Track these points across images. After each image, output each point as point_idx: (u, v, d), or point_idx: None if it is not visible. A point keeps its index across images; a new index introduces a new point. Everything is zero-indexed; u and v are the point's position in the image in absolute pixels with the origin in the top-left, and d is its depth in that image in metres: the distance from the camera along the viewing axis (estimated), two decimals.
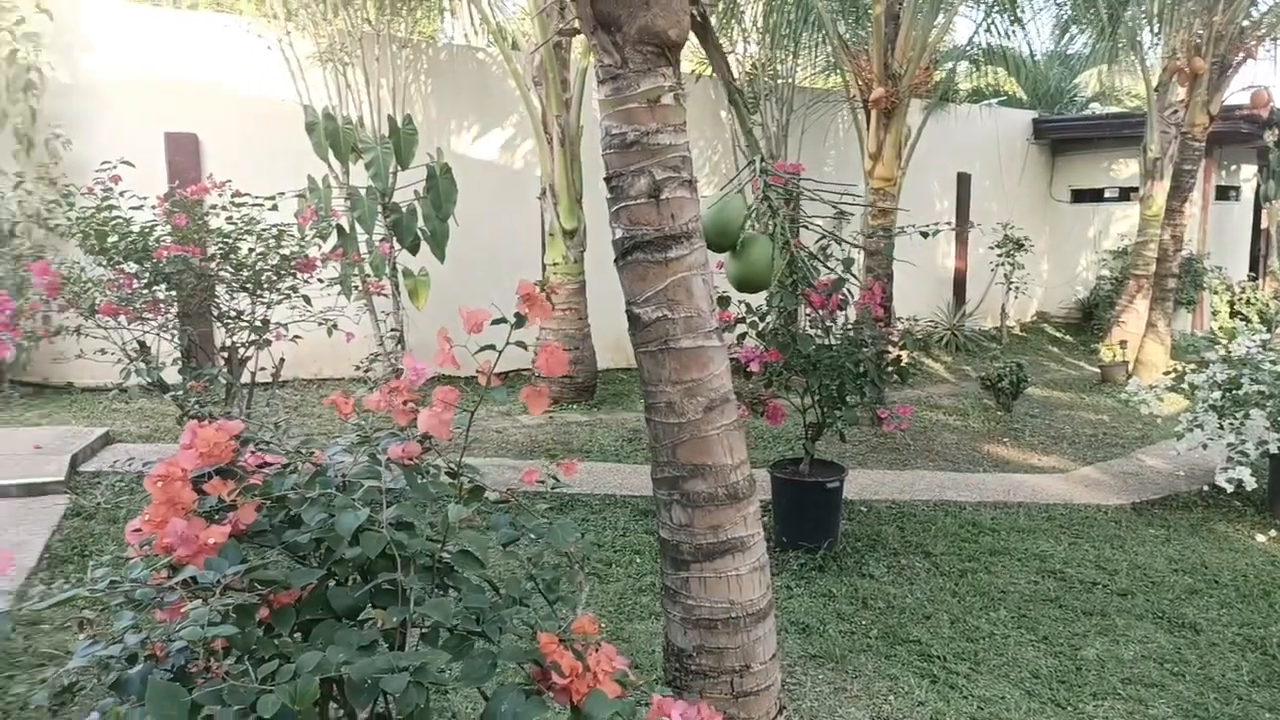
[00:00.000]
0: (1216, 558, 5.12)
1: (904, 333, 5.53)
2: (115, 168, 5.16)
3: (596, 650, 1.69)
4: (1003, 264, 12.46)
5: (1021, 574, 4.80)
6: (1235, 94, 10.59)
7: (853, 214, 9.68)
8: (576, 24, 2.73)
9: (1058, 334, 14.11)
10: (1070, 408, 9.14)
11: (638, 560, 4.73)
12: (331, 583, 1.68)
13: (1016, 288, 12.78)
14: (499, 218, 9.33)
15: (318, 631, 1.59)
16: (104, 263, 5.01)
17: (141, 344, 4.99)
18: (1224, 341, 6.27)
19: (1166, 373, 7.28)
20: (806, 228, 4.04)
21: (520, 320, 1.78)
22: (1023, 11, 10.95)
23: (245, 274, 5.21)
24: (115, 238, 5.00)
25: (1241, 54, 9.85)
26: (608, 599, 4.24)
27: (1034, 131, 14.65)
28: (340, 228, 7.30)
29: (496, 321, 1.76)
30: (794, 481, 5.01)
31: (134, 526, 1.60)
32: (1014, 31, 9.73)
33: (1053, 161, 15.12)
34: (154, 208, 5.23)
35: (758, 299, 4.34)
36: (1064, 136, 14.76)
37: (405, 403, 1.75)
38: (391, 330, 7.82)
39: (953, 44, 13.82)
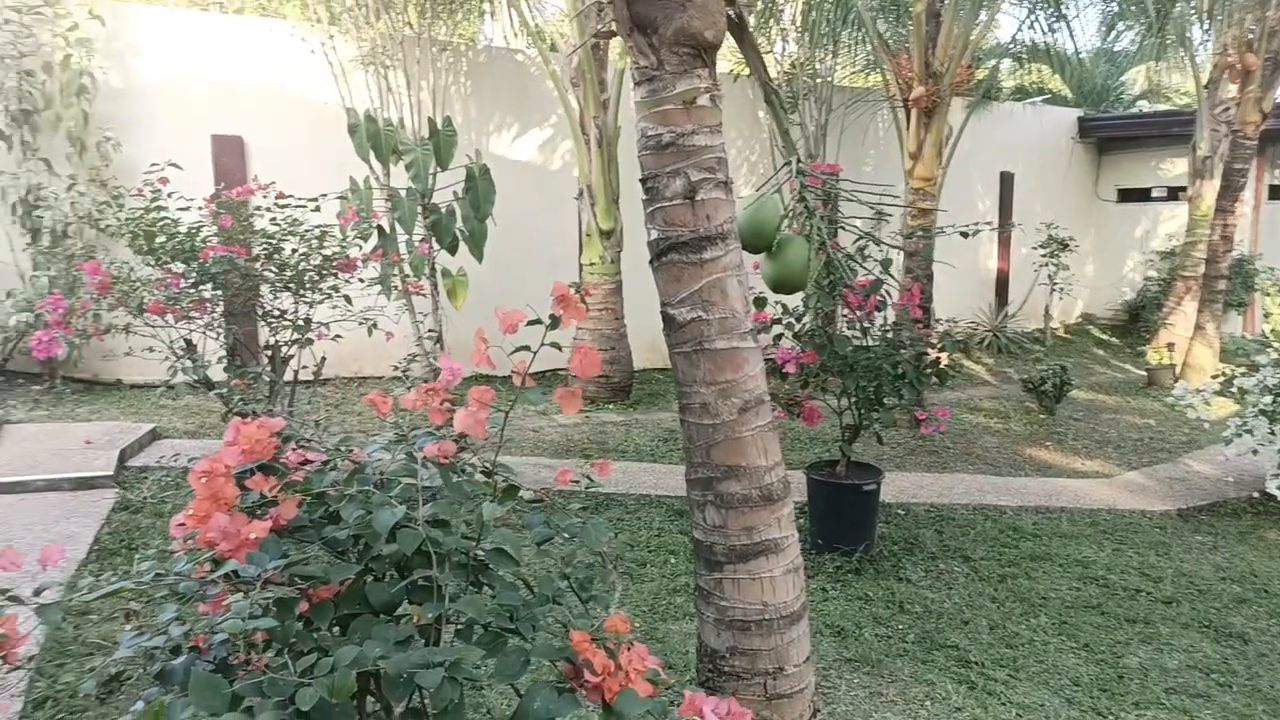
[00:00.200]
0: (1266, 566, 4.99)
1: (943, 334, 5.47)
2: (163, 170, 5.28)
3: (629, 649, 1.69)
4: (1046, 265, 12.25)
5: (1063, 580, 4.72)
6: None
7: (891, 215, 9.58)
8: (614, 26, 2.74)
9: (1103, 336, 13.85)
10: (1115, 411, 8.96)
11: (672, 560, 4.73)
12: (369, 578, 1.70)
13: (1061, 289, 12.56)
14: (537, 218, 9.38)
15: (355, 626, 1.62)
16: (152, 262, 5.13)
17: (188, 342, 5.09)
18: (1275, 345, 6.11)
19: (1215, 376, 7.12)
20: (843, 229, 4.01)
21: (555, 322, 1.79)
22: (1067, 8, 10.77)
23: (288, 274, 5.30)
24: (163, 238, 5.12)
25: None
26: (642, 599, 4.25)
27: (1079, 130, 14.39)
28: (381, 228, 7.40)
29: (532, 322, 1.78)
30: (830, 483, 4.98)
31: (178, 521, 1.64)
32: (1058, 28, 9.53)
33: (1099, 160, 14.84)
34: (201, 209, 5.34)
35: (794, 300, 4.32)
36: (1110, 135, 14.47)
37: (441, 402, 1.77)
38: (429, 330, 7.90)
39: (995, 41, 13.65)
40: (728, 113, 2.97)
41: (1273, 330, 12.38)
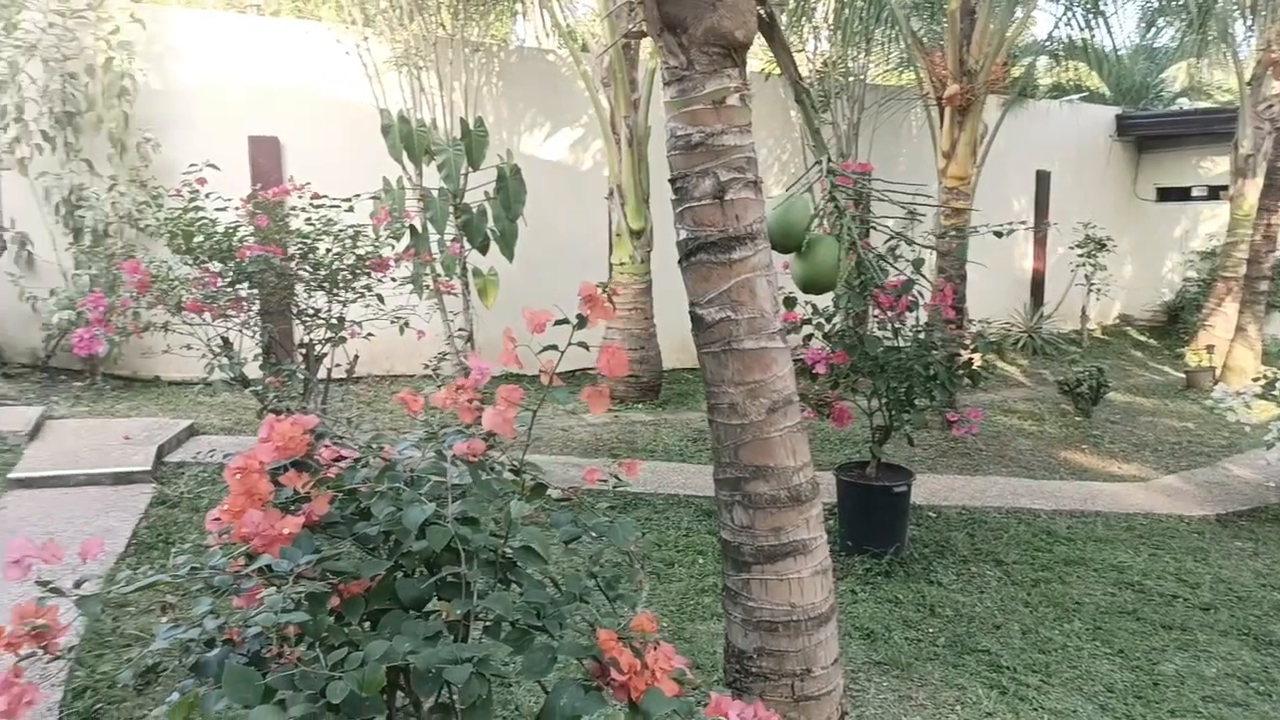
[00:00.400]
0: None
1: (976, 335, 5.40)
2: (201, 170, 5.37)
3: (655, 648, 1.70)
4: (1083, 265, 12.07)
5: (1097, 585, 4.65)
6: None
7: (924, 214, 9.49)
8: (644, 26, 2.74)
9: (1141, 338, 13.62)
10: (1153, 414, 8.81)
11: (700, 561, 4.72)
12: (399, 574, 1.72)
13: (1098, 289, 12.36)
14: (567, 218, 9.41)
15: (385, 621, 1.63)
16: (190, 262, 5.21)
17: (225, 340, 5.17)
18: None
19: (1256, 379, 6.97)
20: (875, 228, 3.99)
21: (582, 321, 1.80)
22: (1105, 4, 10.60)
23: (323, 273, 5.37)
24: (201, 238, 5.21)
25: None
26: (670, 598, 4.25)
27: (1117, 128, 14.15)
28: (413, 228, 7.46)
29: (560, 322, 1.79)
30: (860, 485, 4.94)
31: (214, 516, 1.67)
32: (1096, 24, 9.37)
33: (1137, 159, 14.58)
34: (238, 209, 5.42)
35: (824, 300, 4.29)
36: (1149, 133, 14.22)
37: (470, 400, 1.79)
38: (460, 329, 7.96)
39: (1031, 38, 13.44)
40: (759, 112, 2.96)
41: None
